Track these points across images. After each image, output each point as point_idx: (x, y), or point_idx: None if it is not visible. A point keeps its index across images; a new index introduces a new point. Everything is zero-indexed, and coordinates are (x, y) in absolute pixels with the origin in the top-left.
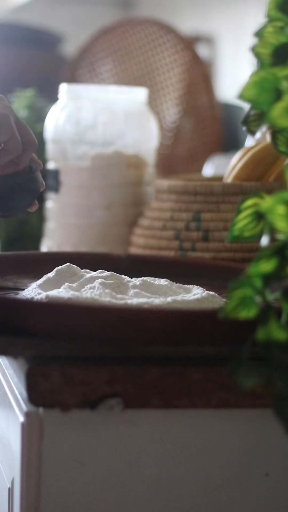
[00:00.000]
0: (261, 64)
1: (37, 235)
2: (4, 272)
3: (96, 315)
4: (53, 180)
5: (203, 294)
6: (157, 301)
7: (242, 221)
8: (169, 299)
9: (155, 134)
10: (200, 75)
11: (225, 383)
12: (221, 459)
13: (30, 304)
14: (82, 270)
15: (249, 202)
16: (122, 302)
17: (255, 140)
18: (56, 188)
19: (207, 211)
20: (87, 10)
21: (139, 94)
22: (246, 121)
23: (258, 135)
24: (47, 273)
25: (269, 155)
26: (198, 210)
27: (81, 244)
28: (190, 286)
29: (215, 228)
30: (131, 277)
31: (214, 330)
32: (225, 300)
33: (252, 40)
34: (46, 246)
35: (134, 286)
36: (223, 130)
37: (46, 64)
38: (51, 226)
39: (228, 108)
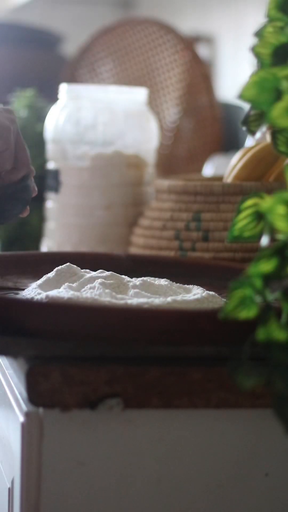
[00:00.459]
0: (261, 64)
1: (37, 235)
2: (4, 272)
3: (96, 315)
4: (53, 180)
5: (203, 294)
6: (157, 301)
7: (242, 221)
8: (169, 299)
9: (155, 134)
10: (200, 75)
11: (225, 383)
12: (221, 459)
13: (30, 304)
14: (82, 270)
15: (249, 202)
16: (122, 302)
17: (255, 140)
18: (56, 188)
19: (207, 211)
20: (87, 10)
21: (139, 94)
22: (246, 121)
23: (258, 135)
24: (47, 273)
25: (269, 155)
26: (198, 210)
27: (81, 244)
28: (190, 286)
29: (215, 228)
30: (131, 277)
31: (214, 330)
32: (225, 300)
33: (252, 40)
34: (46, 246)
35: (134, 286)
36: (223, 130)
37: (46, 64)
38: (51, 226)
39: (228, 108)
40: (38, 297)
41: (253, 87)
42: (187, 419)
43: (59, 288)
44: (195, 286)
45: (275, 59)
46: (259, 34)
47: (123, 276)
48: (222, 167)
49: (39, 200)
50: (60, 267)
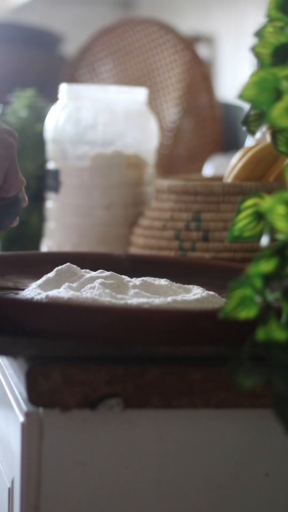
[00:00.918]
0: (261, 64)
1: (37, 235)
2: (4, 272)
3: (96, 315)
4: (53, 180)
5: (203, 294)
6: (157, 301)
7: (242, 221)
8: (169, 299)
9: (155, 134)
10: (200, 75)
11: (225, 383)
12: (221, 459)
13: (30, 304)
14: (82, 270)
15: (249, 202)
16: (122, 302)
17: (255, 140)
18: (56, 188)
19: (207, 211)
20: (87, 10)
21: (139, 94)
22: (246, 121)
23: (258, 135)
24: (47, 273)
25: (269, 155)
26: (198, 210)
27: (81, 244)
28: (190, 286)
29: (215, 228)
30: (131, 277)
31: (214, 330)
32: (225, 300)
33: (252, 40)
34: (46, 246)
35: (134, 286)
36: (223, 130)
37: (46, 64)
38: (51, 226)
39: (228, 108)
40: (38, 297)
41: (253, 87)
42: (187, 419)
43: (59, 288)
44: (195, 286)
45: (275, 59)
46: (259, 34)
47: (123, 276)
48: (222, 167)
49: (39, 200)
50: (60, 267)
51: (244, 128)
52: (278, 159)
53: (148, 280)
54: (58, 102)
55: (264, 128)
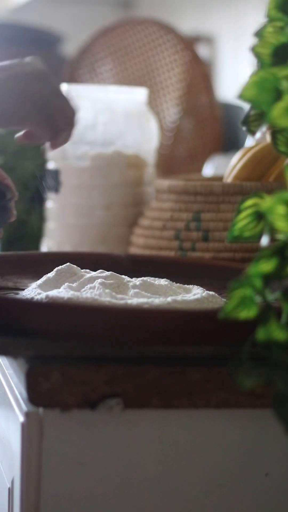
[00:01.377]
0: (261, 64)
1: (37, 235)
2: (4, 272)
3: (96, 315)
4: (53, 180)
5: (203, 294)
6: (157, 301)
7: (242, 221)
8: (169, 299)
9: (155, 134)
10: (200, 75)
11: (225, 383)
12: (221, 459)
13: (30, 304)
14: (82, 270)
15: (249, 202)
16: (122, 302)
17: (255, 140)
18: (56, 188)
19: (207, 211)
20: (87, 10)
21: (139, 94)
22: (246, 121)
23: (258, 135)
24: (47, 273)
25: (269, 155)
26: (198, 210)
27: (81, 244)
28: (190, 286)
29: (215, 228)
30: (131, 277)
31: (214, 330)
32: (225, 300)
33: (252, 40)
34: (46, 246)
35: (134, 286)
36: (223, 130)
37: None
38: (51, 226)
39: (228, 108)
40: (38, 297)
41: (253, 87)
42: (187, 419)
43: (59, 288)
44: (195, 286)
45: (275, 59)
46: (259, 34)
47: (123, 276)
48: (222, 167)
49: (39, 200)
50: (60, 267)
51: (244, 128)
52: (278, 159)
53: (148, 280)
54: None
55: (264, 128)
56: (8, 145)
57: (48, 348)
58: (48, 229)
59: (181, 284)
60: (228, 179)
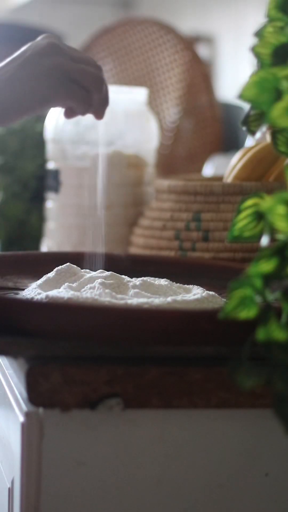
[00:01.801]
0: (261, 64)
1: (37, 235)
2: (4, 272)
3: (96, 315)
4: (53, 180)
5: (203, 294)
6: (157, 301)
7: (242, 221)
8: (169, 299)
9: (155, 134)
10: (200, 75)
11: (225, 383)
12: (221, 459)
13: (30, 304)
14: (82, 270)
15: (249, 202)
16: (122, 302)
17: (255, 140)
18: (56, 188)
19: (207, 211)
20: (87, 10)
21: (139, 94)
22: (246, 121)
23: (258, 135)
24: (47, 273)
25: (269, 155)
26: (198, 210)
27: (81, 244)
28: (190, 286)
29: (215, 228)
30: (131, 277)
31: (214, 330)
32: (225, 300)
33: (252, 40)
34: (46, 246)
35: (134, 286)
36: (223, 130)
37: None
38: (51, 226)
39: (228, 108)
40: (38, 297)
41: (253, 87)
42: (187, 419)
43: (59, 288)
44: (195, 286)
45: (275, 59)
46: (259, 34)
47: (123, 276)
48: (222, 167)
49: (39, 200)
50: (60, 267)
51: (244, 128)
52: (278, 159)
53: (148, 280)
54: None
55: (264, 128)
56: (8, 145)
57: (48, 348)
58: (48, 229)
59: (181, 284)
60: (228, 179)
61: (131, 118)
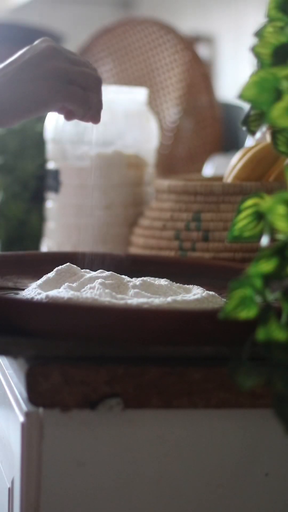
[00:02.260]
0: (261, 64)
1: (37, 235)
2: (4, 272)
3: (96, 315)
4: (53, 180)
5: (203, 294)
6: (157, 301)
7: (242, 221)
8: (169, 299)
9: (155, 134)
10: (200, 75)
11: (225, 383)
12: (221, 459)
13: (30, 304)
14: (82, 270)
15: (249, 202)
16: (122, 302)
17: (255, 140)
18: (56, 188)
19: (207, 211)
20: (87, 10)
21: (139, 94)
22: (246, 121)
23: (258, 135)
24: (47, 273)
25: (269, 155)
26: (198, 210)
27: (81, 244)
28: (190, 286)
29: (215, 228)
30: (131, 277)
31: (214, 330)
32: (225, 300)
33: (252, 40)
34: (46, 246)
35: (134, 286)
36: (223, 130)
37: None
38: (51, 226)
39: (228, 108)
40: (38, 297)
41: (253, 87)
42: (187, 419)
43: (59, 288)
44: (195, 286)
45: (275, 59)
46: (259, 34)
47: (123, 276)
48: (222, 167)
49: (39, 200)
50: (60, 267)
51: (244, 128)
52: (278, 159)
53: (148, 280)
54: None
55: (264, 128)
56: (8, 145)
57: (48, 348)
58: (48, 229)
59: (181, 284)
60: (228, 179)
61: (131, 118)
